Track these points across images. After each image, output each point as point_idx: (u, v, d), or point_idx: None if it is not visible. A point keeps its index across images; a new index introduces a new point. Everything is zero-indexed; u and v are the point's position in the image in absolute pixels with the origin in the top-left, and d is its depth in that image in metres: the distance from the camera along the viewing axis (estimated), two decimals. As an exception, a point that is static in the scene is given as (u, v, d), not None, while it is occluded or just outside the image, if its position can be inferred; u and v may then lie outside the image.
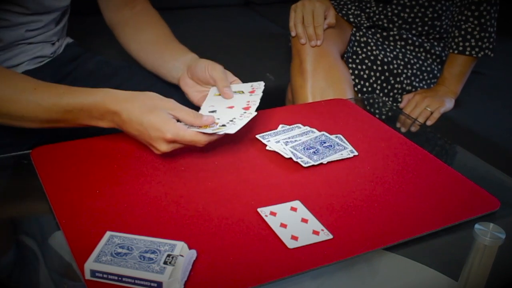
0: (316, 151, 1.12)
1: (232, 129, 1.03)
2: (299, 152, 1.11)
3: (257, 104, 1.13)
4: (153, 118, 1.01)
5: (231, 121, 1.08)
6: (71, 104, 1.04)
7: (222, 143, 1.12)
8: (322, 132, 1.18)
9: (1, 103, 1.04)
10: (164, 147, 1.03)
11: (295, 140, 1.15)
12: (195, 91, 1.25)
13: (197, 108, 1.15)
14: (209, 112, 1.12)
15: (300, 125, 1.22)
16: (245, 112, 1.10)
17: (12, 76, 1.08)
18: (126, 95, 1.04)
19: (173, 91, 1.31)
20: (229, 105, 1.14)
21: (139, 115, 1.02)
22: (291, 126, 1.21)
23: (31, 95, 1.04)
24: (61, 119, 1.05)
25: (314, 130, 1.20)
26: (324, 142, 1.15)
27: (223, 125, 1.05)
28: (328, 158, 1.10)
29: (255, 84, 1.20)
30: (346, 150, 1.13)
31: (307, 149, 1.12)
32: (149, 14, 1.45)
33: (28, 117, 1.05)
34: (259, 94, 1.16)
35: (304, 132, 1.18)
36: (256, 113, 1.10)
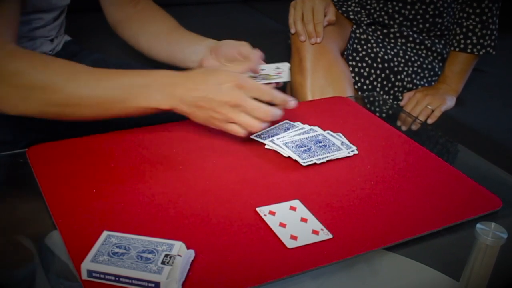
0: (307, 150, 1.11)
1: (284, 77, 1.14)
2: (290, 149, 1.10)
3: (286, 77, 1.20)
4: (219, 72, 1.05)
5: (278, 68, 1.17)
6: (132, 81, 1.05)
7: (221, 141, 1.12)
8: (326, 131, 1.18)
9: (54, 90, 1.03)
10: (232, 93, 1.03)
11: (290, 137, 1.15)
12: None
13: None
14: None
15: (299, 123, 1.21)
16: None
17: (66, 61, 1.08)
18: (183, 72, 1.07)
19: None
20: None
21: (202, 77, 1.05)
22: (292, 123, 1.21)
23: (89, 75, 1.05)
24: (119, 99, 1.05)
25: (317, 128, 1.19)
26: (320, 142, 1.15)
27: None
28: (318, 157, 1.10)
29: (279, 64, 1.25)
30: (341, 152, 1.13)
31: (299, 146, 1.12)
32: (154, 9, 1.46)
33: (86, 98, 1.04)
34: (286, 73, 1.23)
35: (305, 131, 1.18)
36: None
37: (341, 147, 1.14)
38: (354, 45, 1.91)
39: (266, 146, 1.13)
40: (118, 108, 1.06)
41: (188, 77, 1.05)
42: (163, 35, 1.40)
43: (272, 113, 1.05)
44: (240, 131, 1.07)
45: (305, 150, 1.11)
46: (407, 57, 1.89)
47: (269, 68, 1.22)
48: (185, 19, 2.48)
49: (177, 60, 1.37)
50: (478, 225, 0.80)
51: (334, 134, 1.18)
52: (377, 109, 1.50)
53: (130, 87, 1.04)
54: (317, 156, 1.10)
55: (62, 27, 1.47)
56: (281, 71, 1.21)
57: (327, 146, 1.13)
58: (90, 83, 1.04)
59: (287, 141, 1.13)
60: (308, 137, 1.15)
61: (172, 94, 1.04)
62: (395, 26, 1.91)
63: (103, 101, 1.05)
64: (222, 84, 1.03)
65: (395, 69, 1.87)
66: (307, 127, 1.19)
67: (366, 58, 1.87)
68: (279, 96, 1.07)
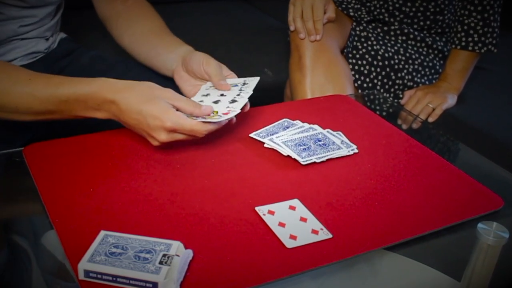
0: (307, 148, 1.11)
1: (231, 115, 1.05)
2: (289, 148, 1.10)
3: (250, 92, 1.14)
4: (152, 107, 1.00)
5: (228, 107, 1.08)
6: (67, 94, 1.03)
7: (219, 140, 1.12)
8: (326, 130, 1.18)
9: None
10: (163, 137, 1.02)
11: (289, 136, 1.14)
12: (189, 85, 1.24)
13: None
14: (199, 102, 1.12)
15: (299, 121, 1.21)
16: (237, 99, 1.11)
17: (5, 67, 1.08)
18: (124, 84, 1.03)
19: (170, 86, 1.31)
20: (221, 93, 1.15)
21: (137, 104, 1.01)
22: (291, 122, 1.21)
23: (26, 86, 1.04)
24: (57, 110, 1.05)
25: (316, 127, 1.19)
26: (319, 140, 1.15)
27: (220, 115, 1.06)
28: (317, 156, 1.10)
29: (249, 79, 1.20)
30: (341, 151, 1.13)
31: (298, 145, 1.12)
32: (142, 6, 1.44)
33: (22, 109, 1.05)
34: (252, 86, 1.16)
35: (305, 129, 1.18)
36: (247, 98, 1.11)
37: (341, 145, 1.14)
38: (354, 43, 1.90)
39: (265, 145, 1.13)
40: (56, 116, 1.07)
41: (124, 97, 1.02)
42: (143, 38, 1.38)
43: (207, 127, 1.03)
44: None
45: (305, 149, 1.11)
46: (407, 54, 1.89)
47: (238, 82, 1.20)
48: (184, 16, 2.49)
49: (154, 66, 1.35)
50: (480, 225, 0.80)
51: (334, 133, 1.18)
52: (378, 107, 1.50)
53: (65, 100, 1.04)
54: (317, 155, 1.10)
55: (58, 25, 1.47)
56: (247, 86, 1.18)
57: (327, 145, 1.13)
58: (26, 93, 1.04)
59: (286, 140, 1.13)
60: (308, 135, 1.15)
61: (108, 110, 1.04)
62: (396, 23, 1.91)
63: (41, 111, 1.06)
64: (154, 121, 1.00)
65: (396, 66, 1.87)
66: (306, 125, 1.19)
67: (366, 56, 1.87)
68: (213, 128, 1.05)
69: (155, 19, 1.42)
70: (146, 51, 1.37)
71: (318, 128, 1.18)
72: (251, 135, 1.14)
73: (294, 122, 1.21)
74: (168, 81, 1.33)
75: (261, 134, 1.15)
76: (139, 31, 1.38)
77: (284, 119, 1.21)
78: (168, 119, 1.00)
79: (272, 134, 1.15)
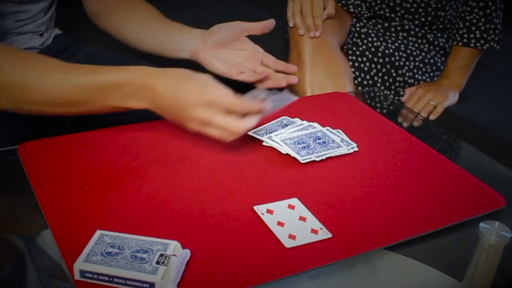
0: (306, 147, 1.11)
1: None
2: (288, 146, 1.10)
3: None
4: (191, 83, 1.00)
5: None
6: (104, 80, 1.02)
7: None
8: (326, 127, 1.18)
9: (27, 88, 1.01)
10: (200, 113, 0.99)
11: (288, 134, 1.15)
12: (220, 60, 1.25)
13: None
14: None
15: (298, 119, 1.21)
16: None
17: (36, 57, 1.06)
18: (160, 69, 1.03)
19: None
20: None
21: (174, 83, 1.00)
22: (290, 120, 1.21)
23: (60, 74, 1.02)
24: (91, 99, 1.03)
25: (316, 124, 1.19)
26: (319, 138, 1.15)
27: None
28: (317, 154, 1.10)
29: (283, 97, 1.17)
30: (341, 149, 1.13)
31: (297, 143, 1.12)
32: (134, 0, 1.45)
33: (56, 99, 1.02)
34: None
35: (304, 127, 1.18)
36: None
37: (340, 144, 1.14)
38: (354, 39, 1.91)
39: (264, 143, 1.13)
40: (89, 107, 1.05)
41: (162, 79, 1.02)
42: (149, 25, 1.37)
43: (240, 131, 1.02)
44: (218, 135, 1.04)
45: (304, 147, 1.11)
46: (408, 51, 1.89)
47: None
48: (182, 12, 2.49)
49: (165, 50, 1.34)
50: (482, 224, 0.80)
51: (334, 131, 1.18)
52: (378, 105, 1.50)
53: (101, 87, 1.02)
54: (316, 153, 1.10)
55: (52, 20, 1.47)
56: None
57: (326, 143, 1.13)
58: (59, 82, 1.02)
59: (285, 138, 1.13)
60: (307, 133, 1.15)
61: (144, 97, 1.03)
62: (396, 19, 1.91)
63: (73, 101, 1.03)
64: (191, 97, 1.00)
65: (396, 63, 1.87)
66: (305, 123, 1.19)
67: (367, 53, 1.87)
68: (253, 107, 1.03)
69: (152, 9, 1.43)
70: (153, 37, 1.36)
71: (317, 126, 1.18)
72: (250, 132, 1.14)
73: (293, 120, 1.21)
74: None
75: (259, 132, 1.15)
76: (140, 20, 1.39)
77: (283, 117, 1.21)
78: (207, 91, 0.99)
79: (271, 132, 1.15)
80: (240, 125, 1.01)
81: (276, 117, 1.21)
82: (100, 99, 1.03)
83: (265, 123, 1.18)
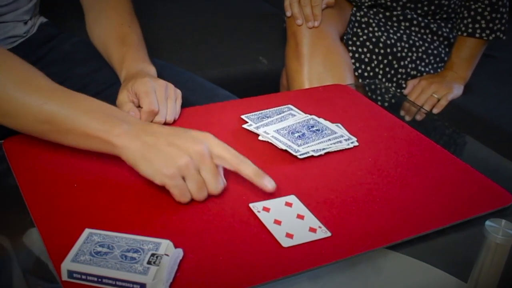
0: (301, 136, 1.12)
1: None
2: (283, 137, 1.10)
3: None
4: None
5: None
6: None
7: (211, 132, 1.12)
8: (311, 116, 1.18)
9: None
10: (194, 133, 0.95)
11: (282, 124, 1.15)
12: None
13: None
14: None
15: (288, 107, 1.22)
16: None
17: (45, 82, 1.00)
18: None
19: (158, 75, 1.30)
20: None
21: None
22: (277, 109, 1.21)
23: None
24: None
25: (301, 112, 1.20)
26: (312, 126, 1.15)
27: None
28: (314, 147, 1.10)
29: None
30: (340, 144, 1.13)
31: (291, 133, 1.12)
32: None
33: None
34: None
35: (290, 114, 1.18)
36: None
37: (340, 138, 1.14)
38: (354, 29, 1.91)
39: (260, 138, 1.13)
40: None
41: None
42: (100, 44, 1.35)
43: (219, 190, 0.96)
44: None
45: (299, 136, 1.11)
46: (411, 41, 1.89)
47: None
48: (174, 2, 2.49)
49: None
50: (488, 222, 0.80)
51: (333, 125, 1.18)
52: (379, 98, 1.50)
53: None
54: (312, 142, 1.10)
55: (37, 8, 1.47)
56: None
57: (321, 130, 1.14)
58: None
59: (278, 128, 1.13)
60: (300, 121, 1.16)
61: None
62: (398, 8, 1.91)
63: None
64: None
65: (398, 54, 1.87)
66: (302, 115, 1.20)
67: (367, 43, 1.88)
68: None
69: (122, 11, 1.37)
70: (105, 54, 1.34)
71: (303, 114, 1.19)
72: (243, 116, 1.15)
73: (292, 109, 1.21)
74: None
75: (252, 117, 1.16)
76: (98, 34, 1.36)
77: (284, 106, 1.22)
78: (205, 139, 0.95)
79: (264, 118, 1.16)
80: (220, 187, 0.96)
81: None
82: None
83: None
